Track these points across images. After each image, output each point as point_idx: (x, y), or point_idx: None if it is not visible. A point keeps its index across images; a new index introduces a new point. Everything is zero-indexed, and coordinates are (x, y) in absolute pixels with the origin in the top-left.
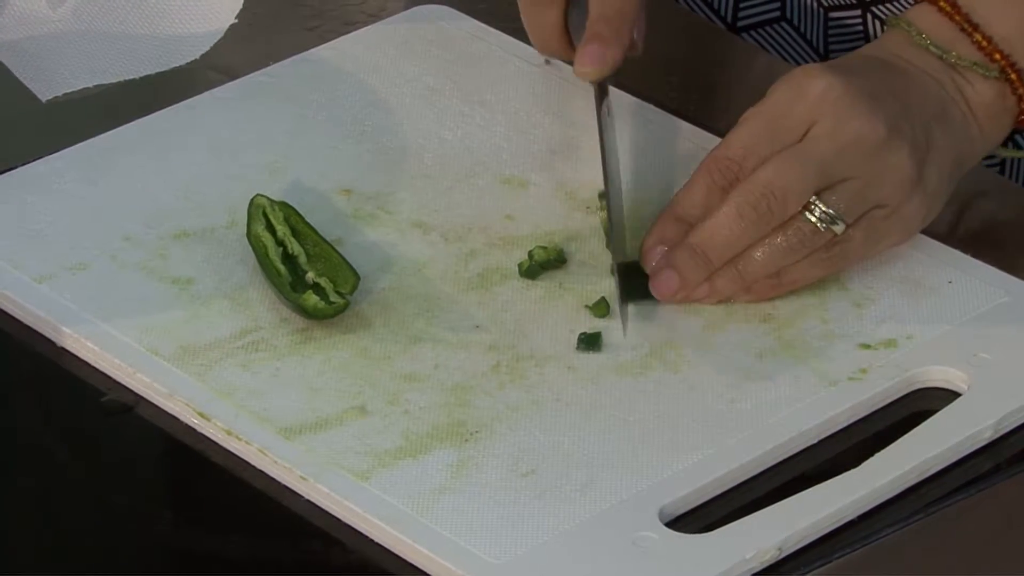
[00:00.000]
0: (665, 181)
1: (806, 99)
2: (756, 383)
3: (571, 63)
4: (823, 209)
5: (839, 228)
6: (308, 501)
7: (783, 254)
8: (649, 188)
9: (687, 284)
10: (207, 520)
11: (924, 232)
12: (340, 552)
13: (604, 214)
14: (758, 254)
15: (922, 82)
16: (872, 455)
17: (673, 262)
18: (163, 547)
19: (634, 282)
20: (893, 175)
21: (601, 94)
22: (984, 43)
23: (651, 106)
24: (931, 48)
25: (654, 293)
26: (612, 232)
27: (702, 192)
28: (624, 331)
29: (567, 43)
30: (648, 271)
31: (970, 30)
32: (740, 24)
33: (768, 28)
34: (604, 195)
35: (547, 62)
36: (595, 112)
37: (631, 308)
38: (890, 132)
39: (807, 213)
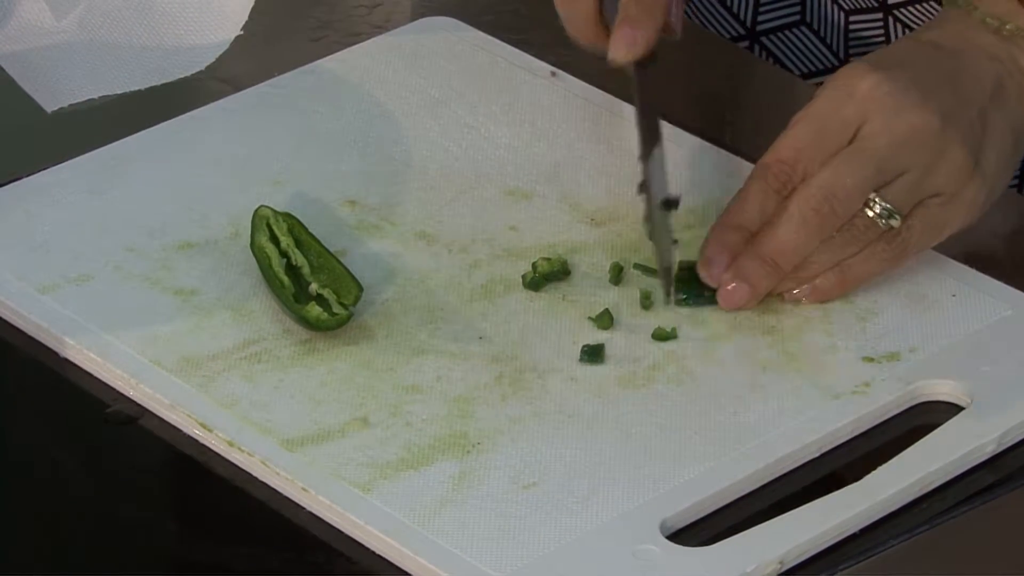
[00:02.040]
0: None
1: (854, 98)
2: (759, 396)
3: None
4: (881, 204)
5: (896, 222)
6: (310, 512)
7: (839, 248)
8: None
9: (757, 294)
10: (209, 531)
11: None
12: (341, 563)
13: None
14: (816, 252)
15: (975, 62)
16: (875, 468)
17: (742, 273)
18: (166, 558)
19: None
20: (948, 164)
21: (641, 80)
22: None
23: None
24: (987, 21)
25: (723, 305)
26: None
27: (758, 199)
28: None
29: (602, 31)
30: (710, 282)
31: None
32: (759, 28)
33: (788, 32)
34: (644, 188)
35: (553, 74)
36: (634, 99)
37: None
38: (944, 121)
39: (865, 209)
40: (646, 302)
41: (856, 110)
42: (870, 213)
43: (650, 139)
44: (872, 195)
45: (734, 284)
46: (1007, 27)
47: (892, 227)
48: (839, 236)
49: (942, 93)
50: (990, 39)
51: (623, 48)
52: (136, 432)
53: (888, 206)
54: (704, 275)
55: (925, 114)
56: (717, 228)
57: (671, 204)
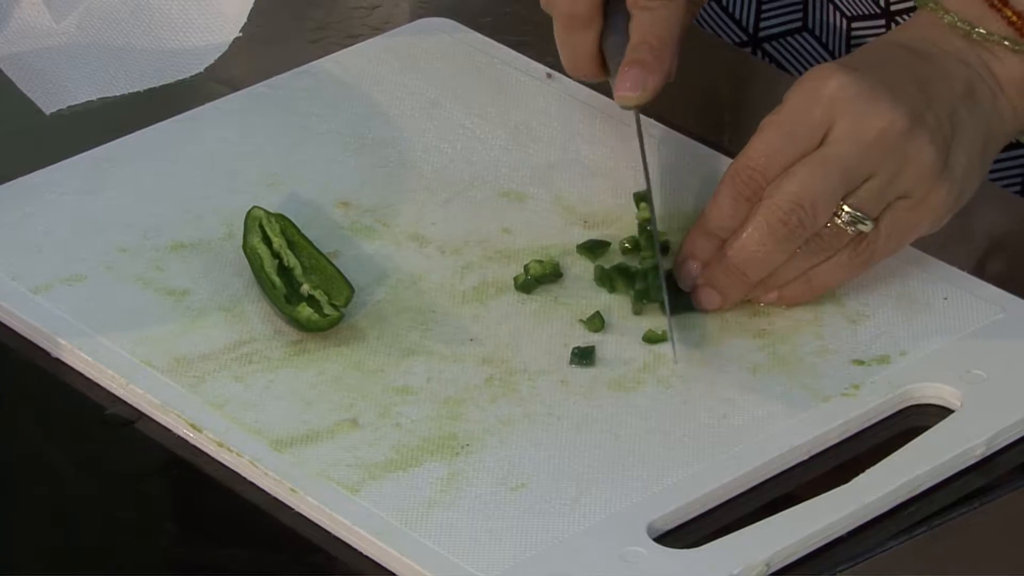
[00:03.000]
0: (672, 199)
1: (821, 101)
2: (748, 398)
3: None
4: (850, 212)
5: (864, 227)
6: (298, 513)
7: (806, 257)
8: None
9: (728, 300)
10: (198, 532)
11: (919, 247)
12: (329, 564)
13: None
14: (800, 267)
15: (946, 65)
16: (864, 471)
17: (712, 281)
18: (163, 559)
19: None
20: (916, 166)
21: (638, 120)
22: (1014, 18)
23: (653, 121)
24: (958, 24)
25: (697, 307)
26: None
27: (729, 205)
28: (675, 356)
29: (600, 67)
30: (682, 285)
31: (1000, 5)
32: (761, 35)
33: (790, 39)
34: (644, 198)
35: (549, 76)
36: (636, 136)
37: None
38: (912, 122)
39: (833, 216)
40: (638, 306)
41: (824, 112)
42: (838, 221)
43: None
44: (842, 205)
45: (705, 289)
46: (977, 31)
47: (861, 232)
48: (807, 244)
49: (911, 93)
50: (960, 44)
51: (631, 91)
52: (134, 435)
53: (856, 213)
54: (677, 277)
55: (893, 115)
56: (690, 234)
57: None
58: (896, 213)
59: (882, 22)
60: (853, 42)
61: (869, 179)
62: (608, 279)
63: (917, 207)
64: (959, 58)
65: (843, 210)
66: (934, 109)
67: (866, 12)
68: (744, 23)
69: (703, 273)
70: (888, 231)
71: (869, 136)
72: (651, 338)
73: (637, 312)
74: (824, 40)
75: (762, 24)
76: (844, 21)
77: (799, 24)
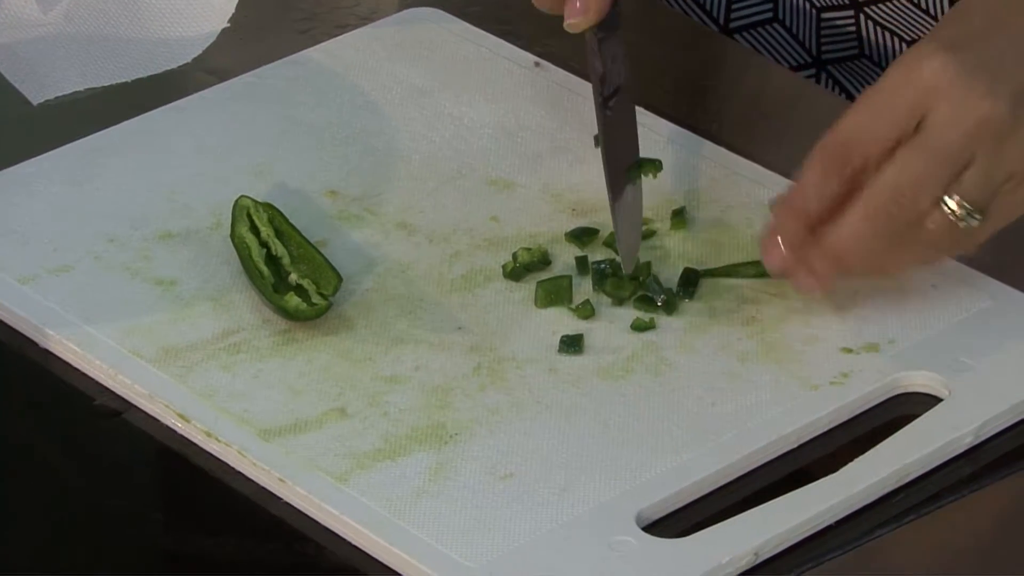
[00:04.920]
0: (652, 183)
1: (917, 84)
2: (737, 386)
3: None
4: (962, 205)
5: (975, 221)
6: (287, 503)
7: (920, 252)
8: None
9: (823, 286)
10: (186, 522)
11: None
12: (318, 554)
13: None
14: (899, 254)
15: None
16: (852, 460)
17: (811, 268)
18: (142, 548)
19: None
20: (1018, 147)
21: (598, 48)
22: None
23: (641, 108)
24: None
25: (795, 290)
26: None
27: (816, 180)
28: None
29: None
30: (770, 268)
31: None
32: (732, 25)
33: (760, 29)
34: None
35: (536, 64)
36: (590, 68)
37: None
38: (1015, 104)
39: (943, 207)
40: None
41: (920, 97)
42: (950, 214)
43: (607, 102)
44: (948, 197)
45: (802, 276)
46: None
47: (972, 227)
48: (923, 240)
49: (1011, 70)
50: None
51: (576, 16)
52: (122, 425)
53: (966, 205)
54: (764, 261)
55: (994, 101)
56: (776, 213)
57: (641, 165)
58: (1002, 198)
59: (851, 12)
60: (823, 33)
61: (971, 165)
62: (585, 268)
63: (1021, 188)
64: None
65: (952, 202)
66: None
67: (835, 3)
68: (715, 13)
69: (797, 255)
70: (990, 216)
71: (970, 123)
72: (640, 326)
73: (617, 303)
74: (795, 31)
75: (732, 15)
76: (814, 12)
77: (770, 15)
